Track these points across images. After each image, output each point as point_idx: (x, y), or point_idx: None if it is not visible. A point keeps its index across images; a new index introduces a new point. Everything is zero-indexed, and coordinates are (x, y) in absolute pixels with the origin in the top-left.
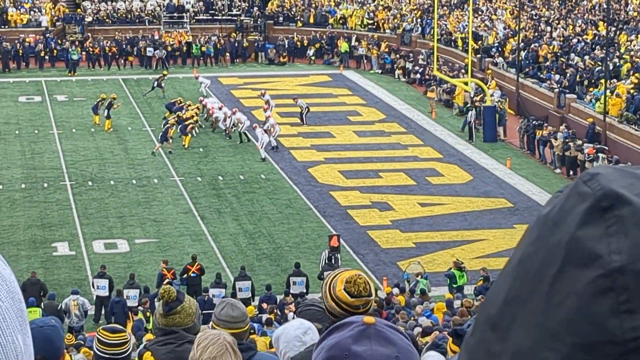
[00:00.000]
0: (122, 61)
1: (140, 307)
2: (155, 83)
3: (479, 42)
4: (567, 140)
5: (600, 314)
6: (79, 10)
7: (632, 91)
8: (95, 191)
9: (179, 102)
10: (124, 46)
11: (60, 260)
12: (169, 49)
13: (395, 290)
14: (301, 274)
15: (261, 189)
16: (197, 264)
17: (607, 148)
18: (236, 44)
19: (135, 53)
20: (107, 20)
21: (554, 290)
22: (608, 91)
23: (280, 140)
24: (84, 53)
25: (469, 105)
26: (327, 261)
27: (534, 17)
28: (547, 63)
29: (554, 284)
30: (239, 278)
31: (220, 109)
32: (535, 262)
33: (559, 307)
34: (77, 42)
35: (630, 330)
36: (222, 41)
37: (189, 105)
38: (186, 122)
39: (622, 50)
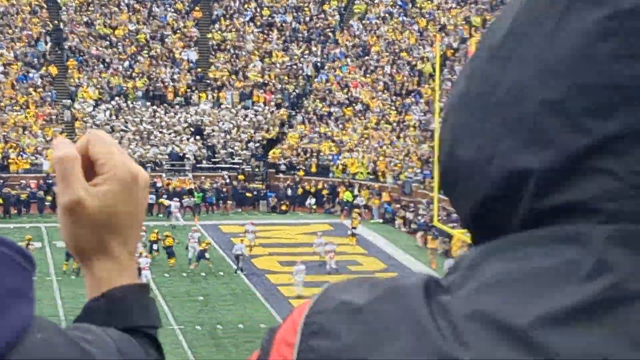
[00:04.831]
0: None
1: None
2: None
3: None
4: None
5: (601, 57)
6: None
7: None
8: None
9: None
10: None
11: None
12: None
13: None
14: None
15: (260, 339)
16: None
17: None
18: (239, 192)
19: None
20: None
21: (559, 27)
22: None
23: (280, 290)
24: None
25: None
26: None
27: None
28: None
29: (560, 20)
30: None
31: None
32: None
33: (562, 45)
34: None
35: (629, 77)
36: (224, 189)
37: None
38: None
39: None
